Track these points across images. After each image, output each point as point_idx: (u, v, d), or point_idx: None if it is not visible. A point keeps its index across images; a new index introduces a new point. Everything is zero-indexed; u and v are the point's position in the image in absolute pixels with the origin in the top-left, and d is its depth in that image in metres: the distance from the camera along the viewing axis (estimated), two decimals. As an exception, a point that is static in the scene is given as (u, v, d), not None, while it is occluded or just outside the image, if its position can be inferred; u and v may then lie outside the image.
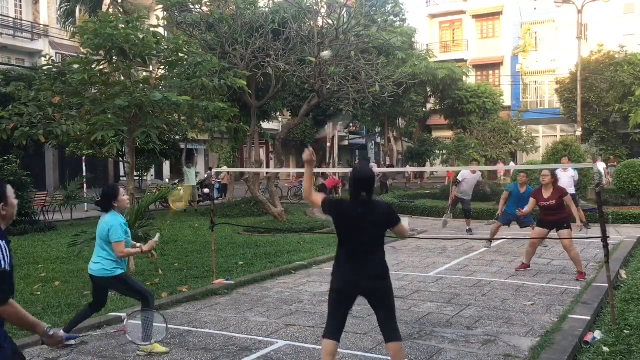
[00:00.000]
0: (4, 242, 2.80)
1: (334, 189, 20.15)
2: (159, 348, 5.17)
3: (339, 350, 5.07)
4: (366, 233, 3.95)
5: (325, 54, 11.33)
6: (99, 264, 5.17)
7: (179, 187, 19.61)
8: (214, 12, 14.07)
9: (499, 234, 10.68)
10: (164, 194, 9.59)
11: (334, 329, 4.05)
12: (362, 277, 3.94)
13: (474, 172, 12.94)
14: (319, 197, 4.19)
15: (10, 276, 2.83)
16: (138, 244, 5.48)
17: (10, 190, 2.99)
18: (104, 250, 5.18)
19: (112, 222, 5.14)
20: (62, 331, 3.40)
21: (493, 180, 29.45)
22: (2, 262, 2.74)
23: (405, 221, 4.36)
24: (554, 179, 8.27)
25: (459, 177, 13.08)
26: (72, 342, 5.26)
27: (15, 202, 3.01)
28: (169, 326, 5.85)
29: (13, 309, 2.79)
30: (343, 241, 4.04)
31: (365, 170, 4.13)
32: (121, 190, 5.35)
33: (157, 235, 5.71)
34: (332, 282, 4.08)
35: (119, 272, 5.20)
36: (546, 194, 8.09)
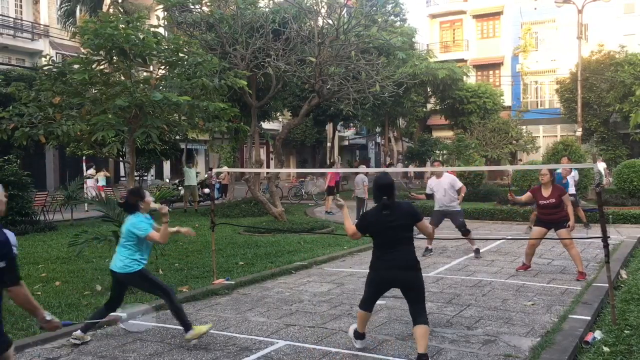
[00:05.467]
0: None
1: (337, 186, 20.03)
2: (201, 328, 5.31)
3: (339, 350, 5.10)
4: (394, 232, 4.64)
5: None
6: (121, 261, 5.33)
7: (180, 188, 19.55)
8: (214, 12, 14.07)
9: (498, 234, 10.66)
10: (164, 194, 9.60)
11: (369, 304, 4.92)
12: (396, 269, 4.65)
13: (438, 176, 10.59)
14: (353, 228, 4.90)
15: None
16: (174, 228, 5.71)
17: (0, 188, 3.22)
18: (125, 248, 5.35)
19: (134, 220, 5.33)
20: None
21: (493, 181, 29.48)
22: (15, 249, 3.14)
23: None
24: (553, 177, 8.28)
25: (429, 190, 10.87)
26: (79, 341, 5.35)
27: (5, 199, 3.22)
28: (168, 326, 5.87)
29: (24, 290, 3.07)
30: (377, 241, 4.75)
31: (384, 177, 4.80)
32: (147, 192, 5.55)
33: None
34: (371, 272, 4.82)
35: (138, 267, 5.34)
36: (545, 192, 8.12)
